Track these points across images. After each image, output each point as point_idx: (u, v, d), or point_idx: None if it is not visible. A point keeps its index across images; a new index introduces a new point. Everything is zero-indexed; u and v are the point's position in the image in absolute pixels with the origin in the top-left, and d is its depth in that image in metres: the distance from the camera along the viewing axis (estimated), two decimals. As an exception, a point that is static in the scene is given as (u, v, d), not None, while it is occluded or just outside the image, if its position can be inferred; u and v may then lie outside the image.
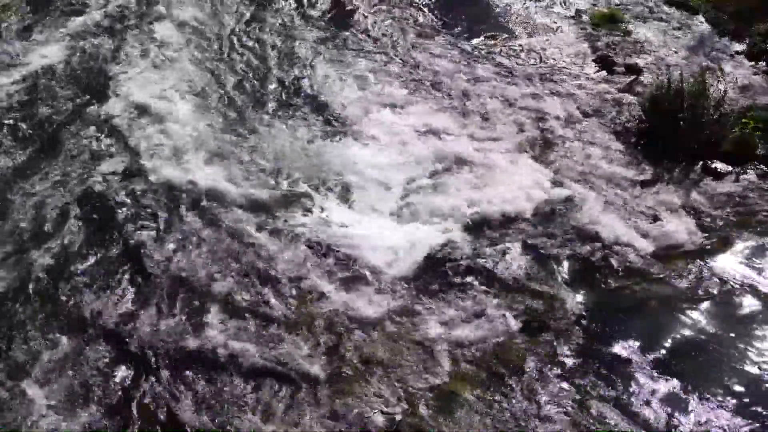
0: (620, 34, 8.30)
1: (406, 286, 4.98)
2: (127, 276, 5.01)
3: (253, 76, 7.42)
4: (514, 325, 4.66)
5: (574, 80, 7.50)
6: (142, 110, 6.77)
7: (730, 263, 5.13)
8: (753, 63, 7.55)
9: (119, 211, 5.57)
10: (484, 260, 5.21)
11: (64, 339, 4.55)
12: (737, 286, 4.93)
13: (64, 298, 4.83)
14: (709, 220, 5.56)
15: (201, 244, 5.28)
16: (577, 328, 4.67)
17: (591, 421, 4.07)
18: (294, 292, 4.91)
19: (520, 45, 8.21)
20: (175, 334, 4.57)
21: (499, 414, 4.12)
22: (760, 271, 5.05)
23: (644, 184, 5.98)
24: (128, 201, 5.68)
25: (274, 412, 4.11)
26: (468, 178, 5.97)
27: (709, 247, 5.29)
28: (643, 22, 8.56)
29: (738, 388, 4.22)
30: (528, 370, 4.38)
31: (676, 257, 5.22)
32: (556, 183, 5.96)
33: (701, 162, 6.14)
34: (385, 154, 6.30)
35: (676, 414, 4.09)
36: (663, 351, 4.50)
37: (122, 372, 4.34)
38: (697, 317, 4.72)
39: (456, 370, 4.38)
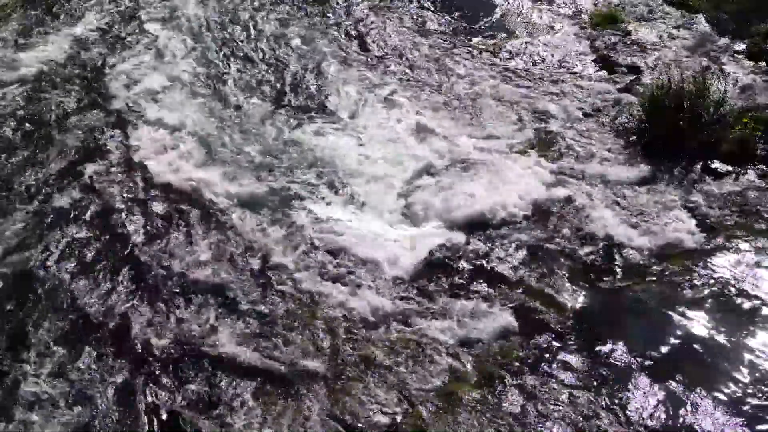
0: (620, 34, 8.29)
1: (405, 285, 4.98)
2: (125, 275, 5.00)
3: (253, 73, 7.42)
4: (514, 325, 4.66)
5: (574, 80, 7.50)
6: (142, 108, 6.79)
7: (730, 263, 5.12)
8: (753, 63, 7.54)
9: (117, 209, 5.57)
10: (483, 260, 5.20)
11: (64, 338, 4.54)
12: (737, 286, 4.92)
13: (62, 297, 4.83)
14: (709, 220, 5.55)
15: (200, 242, 5.28)
16: (576, 328, 4.67)
17: (590, 421, 4.06)
18: (294, 292, 4.91)
19: (520, 44, 8.20)
20: (174, 333, 4.56)
21: (499, 414, 4.11)
22: (760, 271, 5.04)
23: (644, 184, 5.97)
24: (127, 199, 5.68)
25: (275, 412, 4.11)
26: (467, 178, 5.97)
27: (709, 247, 5.28)
28: (643, 22, 8.55)
29: (738, 388, 4.22)
30: (528, 370, 4.38)
31: (676, 257, 5.21)
32: (556, 182, 5.95)
33: (701, 162, 6.13)
34: (385, 154, 6.30)
35: (676, 414, 4.09)
36: (663, 351, 4.49)
37: (121, 372, 4.34)
38: (697, 317, 4.71)
39: (456, 370, 4.38)
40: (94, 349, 4.48)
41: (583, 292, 4.95)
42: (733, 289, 4.90)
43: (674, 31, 8.30)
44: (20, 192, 5.76)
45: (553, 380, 4.31)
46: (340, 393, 4.22)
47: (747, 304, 4.79)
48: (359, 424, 4.04)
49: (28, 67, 7.36)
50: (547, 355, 4.48)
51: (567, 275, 5.08)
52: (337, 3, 8.95)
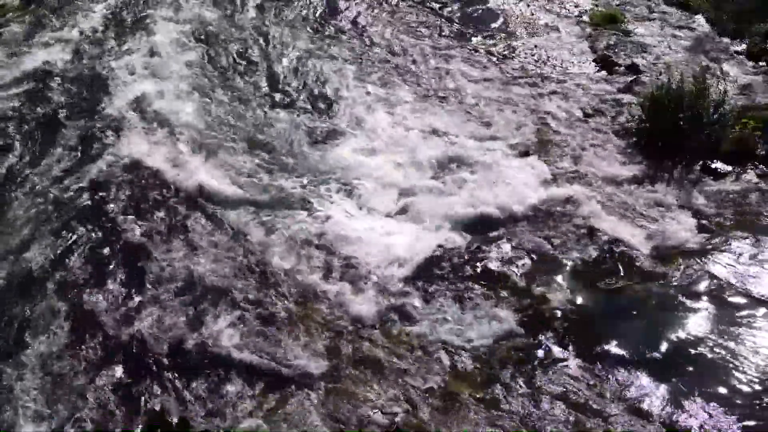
0: (620, 34, 8.30)
1: (406, 286, 4.98)
2: (126, 274, 5.01)
3: (253, 73, 7.43)
4: (514, 325, 4.66)
5: (574, 80, 7.50)
6: (142, 108, 6.79)
7: (730, 263, 5.12)
8: (753, 63, 7.55)
9: (118, 209, 5.57)
10: (483, 260, 5.21)
11: (64, 338, 4.54)
12: (737, 286, 4.92)
13: (63, 296, 4.83)
14: (709, 220, 5.55)
15: (200, 242, 5.28)
16: (576, 328, 4.67)
17: (591, 421, 4.07)
18: (294, 291, 4.91)
19: (520, 45, 8.21)
20: (174, 333, 4.56)
21: (499, 414, 4.11)
22: (760, 271, 5.04)
23: (644, 184, 5.98)
24: (127, 199, 5.68)
25: (274, 412, 4.11)
26: (468, 178, 5.97)
27: (709, 247, 5.28)
28: (643, 22, 8.56)
29: (738, 388, 4.22)
30: (527, 370, 4.38)
31: (676, 257, 5.21)
32: (556, 183, 5.96)
33: (701, 162, 6.13)
34: (385, 154, 6.30)
35: (676, 414, 4.09)
36: (663, 351, 4.49)
37: (121, 371, 4.34)
38: (697, 317, 4.72)
39: (456, 370, 4.38)
40: (93, 347, 4.48)
41: (583, 292, 4.95)
42: (733, 289, 4.90)
43: (674, 31, 8.31)
44: (20, 192, 5.75)
45: (553, 380, 4.31)
46: (340, 393, 4.22)
47: (747, 304, 4.79)
48: (359, 424, 4.04)
49: (29, 66, 7.35)
50: (547, 355, 4.48)
51: (567, 275, 5.09)
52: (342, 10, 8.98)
